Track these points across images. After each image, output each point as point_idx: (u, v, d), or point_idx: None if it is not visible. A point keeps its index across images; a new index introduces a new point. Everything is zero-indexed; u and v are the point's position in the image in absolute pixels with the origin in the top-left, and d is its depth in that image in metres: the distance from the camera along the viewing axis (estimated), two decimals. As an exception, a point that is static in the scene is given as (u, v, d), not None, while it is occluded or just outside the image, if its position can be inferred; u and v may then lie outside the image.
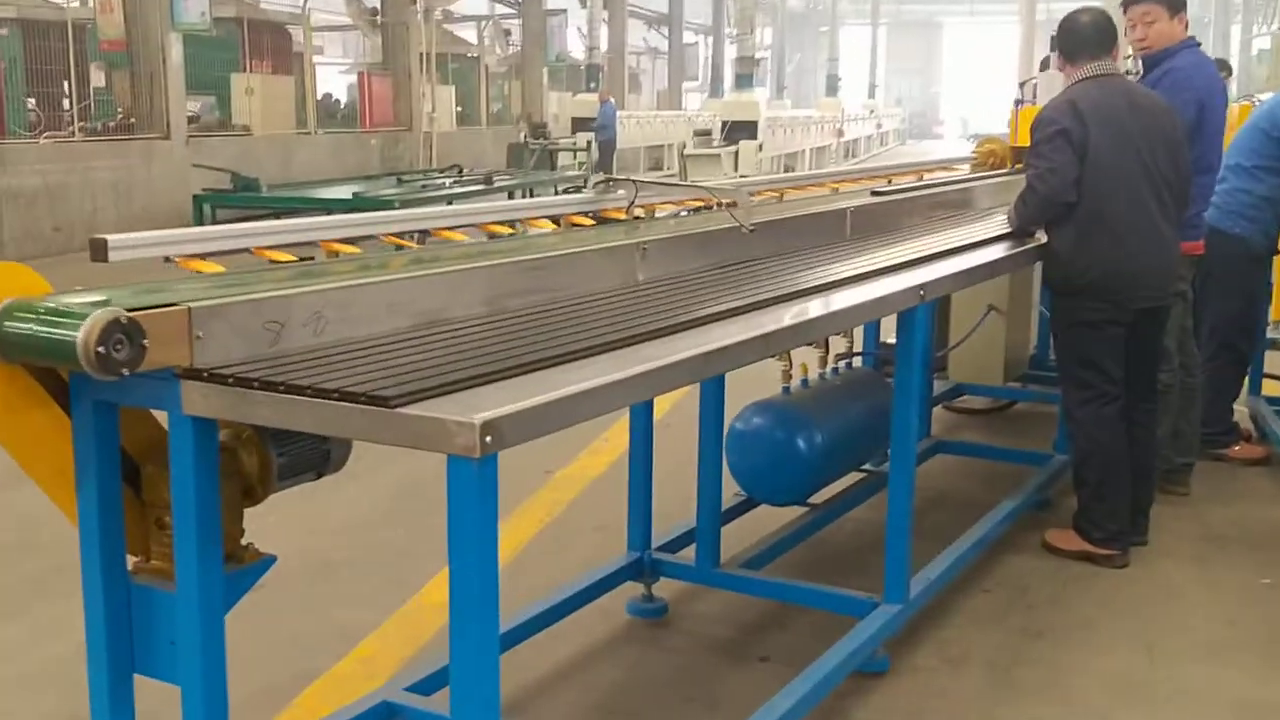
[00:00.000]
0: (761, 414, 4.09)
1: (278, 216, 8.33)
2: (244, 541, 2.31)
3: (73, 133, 15.19)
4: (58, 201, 12.97)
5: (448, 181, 10.20)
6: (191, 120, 15.94)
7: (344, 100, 24.76)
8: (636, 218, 3.79)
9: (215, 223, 8.22)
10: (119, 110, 15.69)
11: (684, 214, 3.91)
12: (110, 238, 2.44)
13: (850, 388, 4.35)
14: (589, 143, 19.79)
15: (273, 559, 2.34)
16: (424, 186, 9.42)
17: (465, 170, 13.78)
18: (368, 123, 20.22)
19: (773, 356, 3.05)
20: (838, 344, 4.41)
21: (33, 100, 16.65)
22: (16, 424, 2.10)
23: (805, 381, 4.19)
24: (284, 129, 18.15)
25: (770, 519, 4.32)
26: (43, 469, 2.16)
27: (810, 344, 3.75)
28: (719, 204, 3.71)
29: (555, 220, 3.62)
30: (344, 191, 8.66)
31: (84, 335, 1.88)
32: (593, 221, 3.64)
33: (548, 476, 5.32)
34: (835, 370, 4.38)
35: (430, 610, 3.90)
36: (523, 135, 20.40)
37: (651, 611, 3.89)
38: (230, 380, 1.99)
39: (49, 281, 2.12)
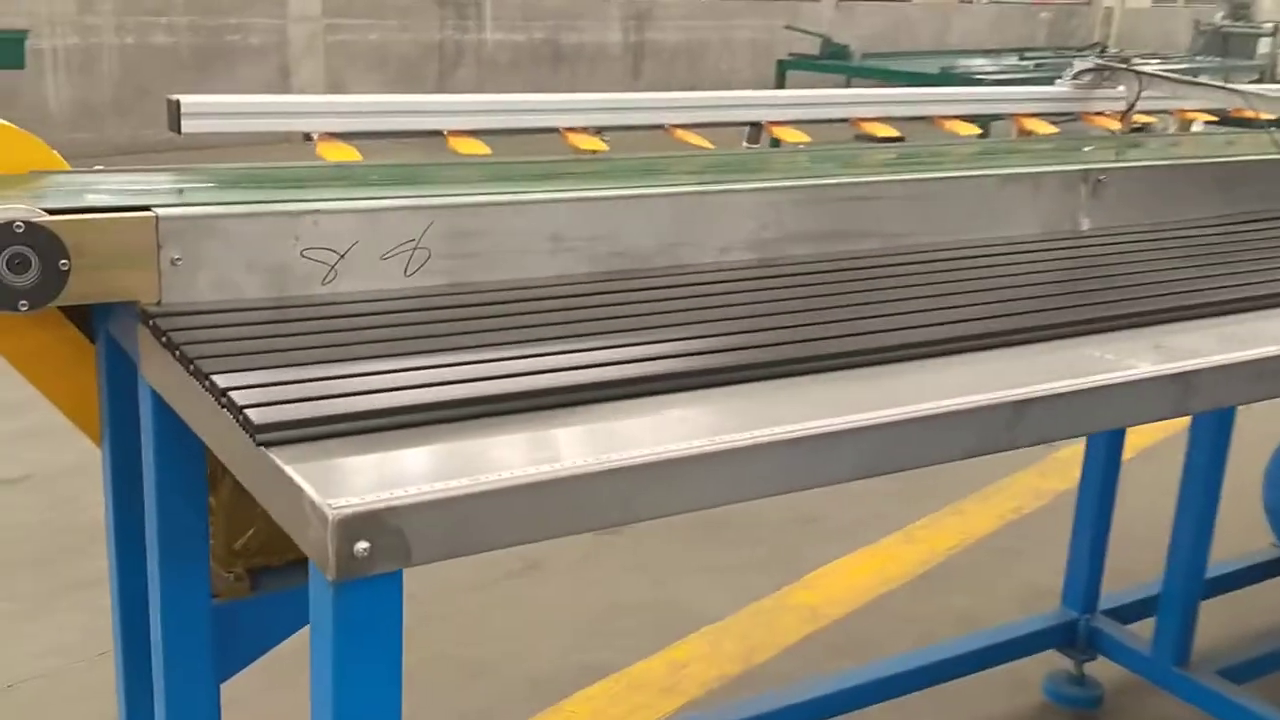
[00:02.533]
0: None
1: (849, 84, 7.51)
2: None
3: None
4: (696, 59, 13.09)
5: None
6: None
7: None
8: (1137, 128, 2.58)
9: (782, 87, 7.62)
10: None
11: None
12: (188, 99, 1.83)
13: None
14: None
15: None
16: (1038, 66, 8.08)
17: (1138, 53, 11.93)
18: (1043, -7, 18.59)
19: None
20: None
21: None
22: (17, 345, 1.59)
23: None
24: (947, -4, 17.13)
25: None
26: (62, 395, 1.65)
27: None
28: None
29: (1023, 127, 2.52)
30: (932, 66, 7.62)
31: (-42, 245, 1.29)
32: (1053, 128, 2.49)
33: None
34: None
35: None
36: (1219, 16, 17.64)
37: (1080, 700, 2.78)
38: (158, 332, 1.32)
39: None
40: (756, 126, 2.23)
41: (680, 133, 2.09)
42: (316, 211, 1.47)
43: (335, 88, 10.23)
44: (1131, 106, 2.52)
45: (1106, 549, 2.79)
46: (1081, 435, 1.58)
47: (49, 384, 1.64)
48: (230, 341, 1.30)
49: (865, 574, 3.45)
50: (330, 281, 1.49)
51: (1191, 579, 2.64)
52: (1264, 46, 16.28)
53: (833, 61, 7.93)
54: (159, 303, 1.39)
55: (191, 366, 1.22)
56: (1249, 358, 1.48)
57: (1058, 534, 2.97)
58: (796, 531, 3.66)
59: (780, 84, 8.01)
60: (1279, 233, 2.12)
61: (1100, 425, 1.48)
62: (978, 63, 8.11)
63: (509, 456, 1.08)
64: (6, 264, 1.30)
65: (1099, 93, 2.56)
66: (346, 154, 1.85)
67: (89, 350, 1.62)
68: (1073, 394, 1.36)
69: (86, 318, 1.60)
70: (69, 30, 8.99)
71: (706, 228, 1.75)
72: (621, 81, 12.37)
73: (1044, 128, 2.48)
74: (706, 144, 2.08)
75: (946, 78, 7.20)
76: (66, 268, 1.33)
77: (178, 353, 1.26)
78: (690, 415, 1.21)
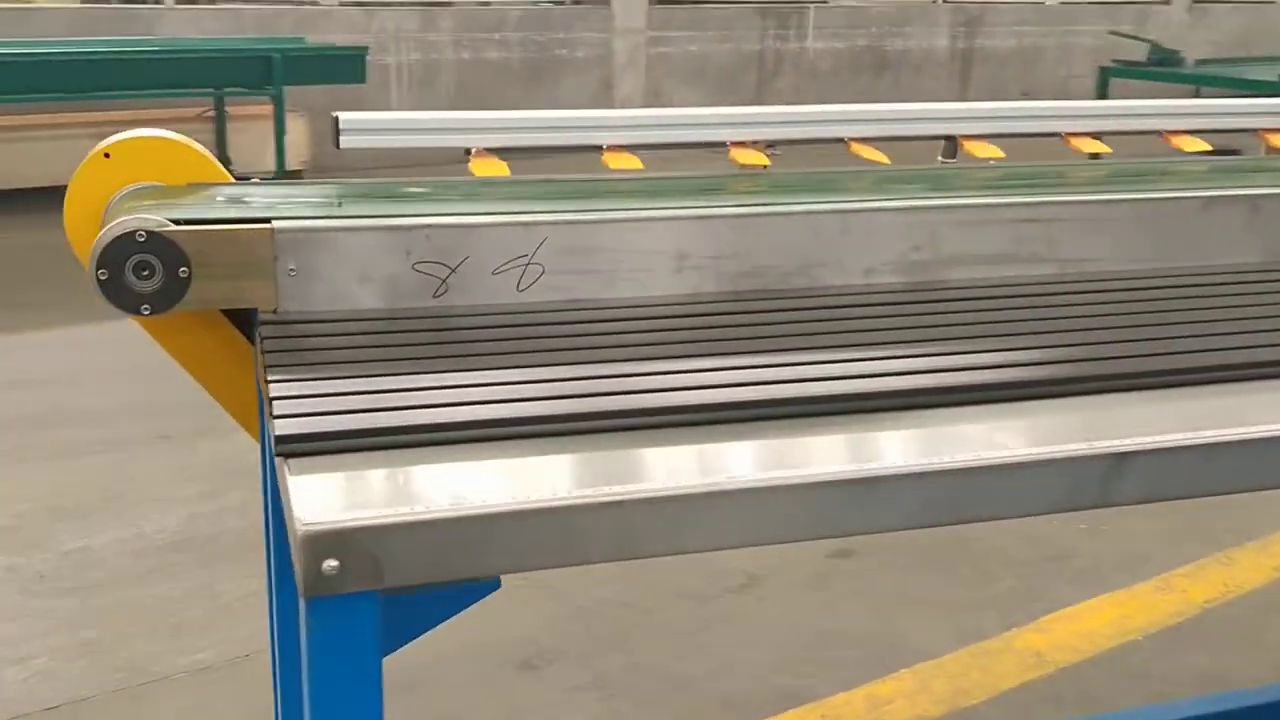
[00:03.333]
0: None
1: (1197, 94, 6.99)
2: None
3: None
4: (1030, 64, 12.55)
5: None
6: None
7: None
8: None
9: (1104, 97, 7.14)
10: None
11: None
12: (346, 116, 1.89)
13: None
14: None
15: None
16: None
17: None
18: None
19: None
20: None
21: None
22: (190, 345, 1.73)
23: None
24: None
25: None
26: (225, 393, 1.78)
27: None
28: None
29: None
30: (1271, 73, 6.94)
31: (93, 253, 1.42)
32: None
33: None
34: None
35: None
36: None
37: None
38: (261, 338, 1.40)
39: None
40: (951, 141, 2.12)
41: (856, 147, 2.01)
42: (429, 226, 1.52)
43: (655, 99, 10.50)
44: None
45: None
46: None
47: (213, 382, 1.77)
48: (313, 350, 1.36)
49: (1107, 620, 3.20)
50: (441, 295, 1.53)
51: None
52: None
53: (1161, 69, 7.40)
54: (275, 311, 1.48)
55: (264, 372, 1.29)
56: None
57: None
58: (1041, 569, 3.45)
59: (1102, 93, 7.55)
60: None
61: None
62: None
63: (512, 483, 1.08)
64: (132, 270, 1.42)
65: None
66: (497, 169, 1.90)
67: (248, 352, 1.74)
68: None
69: (250, 321, 1.72)
70: (412, 46, 9.68)
71: (843, 248, 1.68)
72: (948, 89, 12.04)
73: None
74: (883, 158, 2.00)
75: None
76: (186, 275, 1.43)
77: (262, 358, 1.34)
78: (702, 451, 1.16)
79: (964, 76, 12.25)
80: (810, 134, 2.01)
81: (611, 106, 10.32)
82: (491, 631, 2.96)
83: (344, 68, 8.06)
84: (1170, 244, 1.82)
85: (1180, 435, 1.21)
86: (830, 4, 11.68)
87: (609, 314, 1.51)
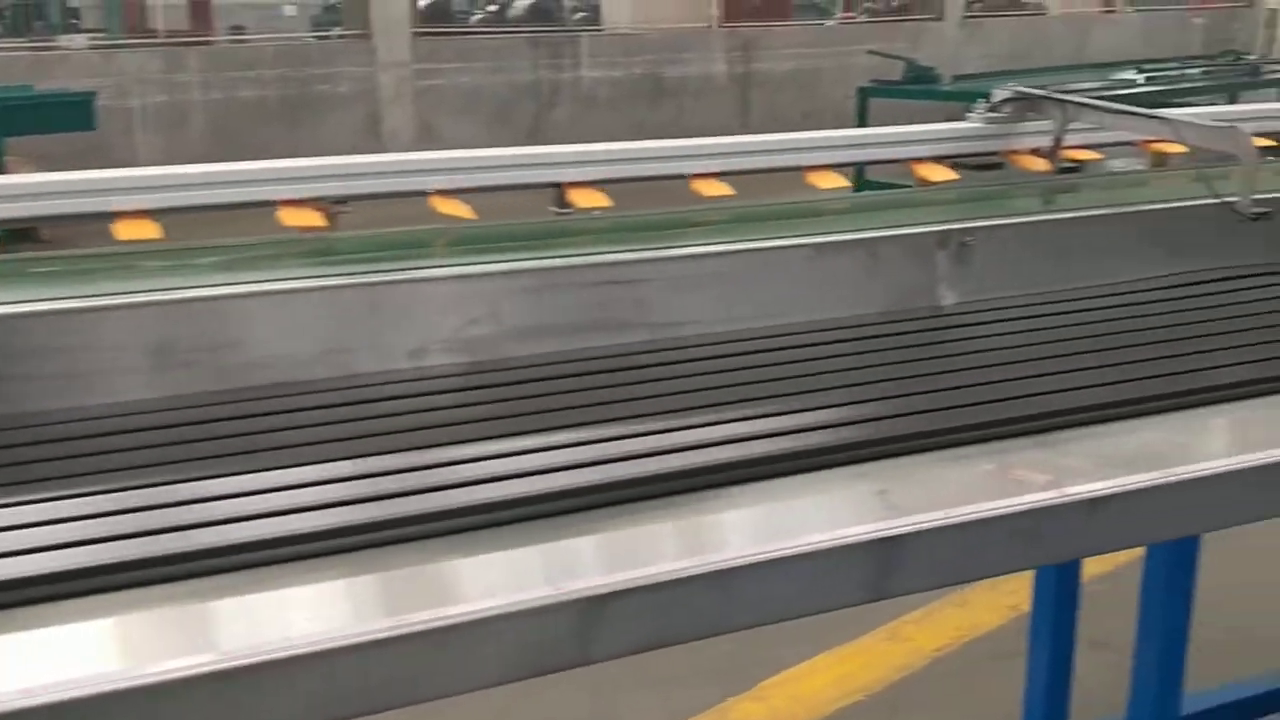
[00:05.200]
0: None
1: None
2: None
3: (853, 16, 14.80)
4: (809, 86, 12.63)
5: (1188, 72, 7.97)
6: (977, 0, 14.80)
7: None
8: (1067, 169, 2.11)
9: (867, 122, 7.09)
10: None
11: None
12: None
13: None
14: None
15: None
16: (1150, 80, 7.37)
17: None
18: (1196, -2, 17.52)
19: None
20: None
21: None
22: None
23: None
24: (1087, 6, 16.26)
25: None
26: None
27: None
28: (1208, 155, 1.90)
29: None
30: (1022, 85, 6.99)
31: None
32: (951, 174, 2.04)
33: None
34: None
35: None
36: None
37: None
38: None
39: None
40: (558, 188, 1.85)
41: (437, 200, 1.73)
42: None
43: (426, 133, 10.16)
44: (1058, 141, 2.05)
45: (1071, 671, 2.29)
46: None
47: None
48: None
49: (830, 680, 2.99)
50: None
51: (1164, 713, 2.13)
52: None
53: (916, 87, 7.40)
54: None
55: None
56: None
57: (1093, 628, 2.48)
58: (768, 629, 3.22)
59: (863, 113, 7.51)
60: (1239, 301, 1.65)
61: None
62: (1077, 79, 7.47)
63: None
64: None
65: (1026, 126, 2.10)
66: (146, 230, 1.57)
67: None
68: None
69: None
70: (157, 88, 9.12)
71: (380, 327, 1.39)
72: (729, 114, 12.01)
73: (943, 174, 2.03)
74: (466, 212, 1.72)
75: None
76: None
77: None
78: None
79: (743, 101, 12.25)
80: (372, 188, 1.72)
81: (380, 141, 9.94)
82: None
83: (71, 115, 7.50)
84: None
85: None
86: (604, 32, 11.55)
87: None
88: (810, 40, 12.88)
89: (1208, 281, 1.73)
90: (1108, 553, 1.23)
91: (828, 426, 1.22)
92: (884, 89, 7.60)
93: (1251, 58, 9.30)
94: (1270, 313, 1.61)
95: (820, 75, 12.73)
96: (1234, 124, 1.77)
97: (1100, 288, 1.69)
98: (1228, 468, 1.21)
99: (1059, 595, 2.22)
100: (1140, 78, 7.44)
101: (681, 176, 1.85)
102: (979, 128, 2.09)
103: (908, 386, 1.33)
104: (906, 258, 1.69)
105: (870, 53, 8.90)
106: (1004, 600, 3.32)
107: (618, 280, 1.55)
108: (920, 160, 2.05)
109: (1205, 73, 8.02)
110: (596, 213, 1.78)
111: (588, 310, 1.48)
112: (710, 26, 12.10)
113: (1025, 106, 2.09)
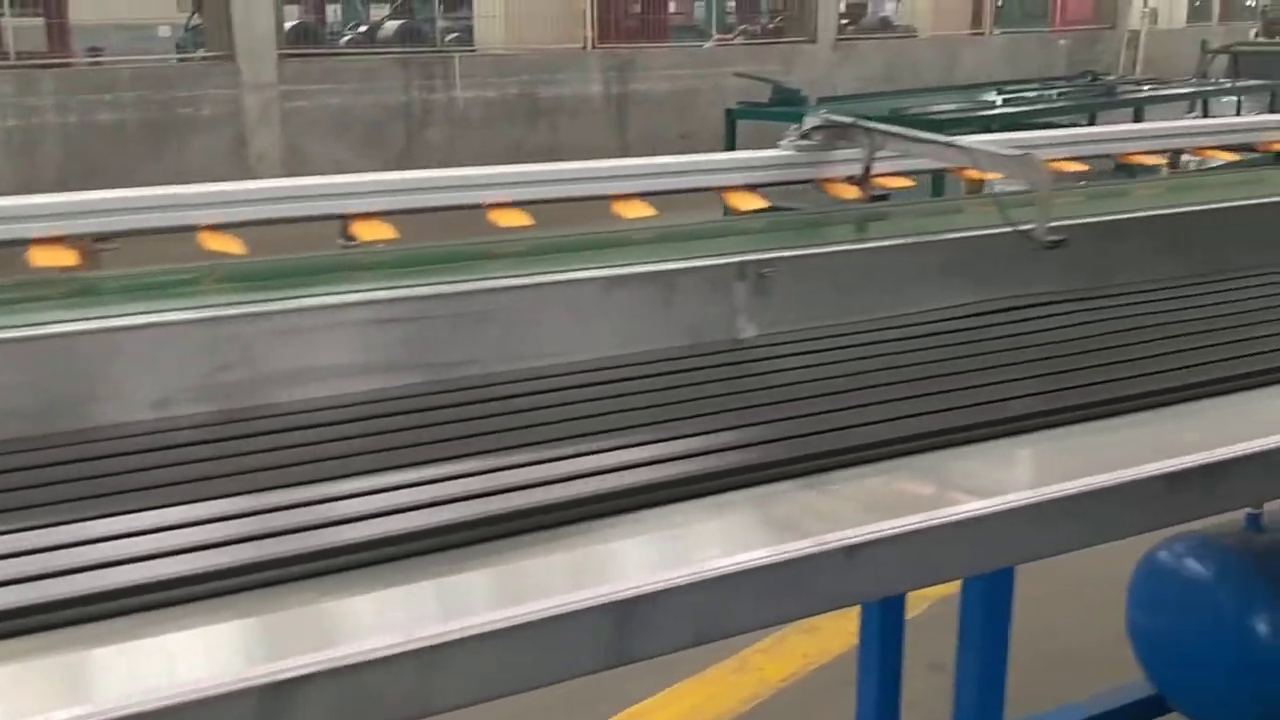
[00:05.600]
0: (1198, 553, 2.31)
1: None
2: None
3: (730, 39, 14.92)
4: (685, 107, 12.68)
5: (1056, 93, 8.17)
6: (849, 23, 15.04)
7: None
8: (877, 197, 2.10)
9: (736, 144, 7.13)
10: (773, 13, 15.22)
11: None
12: None
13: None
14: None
15: None
16: (1007, 101, 7.53)
17: (1149, 78, 11.30)
18: (1059, 20, 18.01)
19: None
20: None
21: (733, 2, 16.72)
22: None
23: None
24: (956, 29, 16.61)
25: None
26: None
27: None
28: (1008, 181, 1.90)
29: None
30: (882, 107, 7.10)
31: None
32: (762, 202, 2.01)
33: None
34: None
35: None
36: (1254, 34, 17.04)
37: None
38: None
39: None
40: (345, 220, 1.78)
41: (206, 236, 1.64)
42: None
43: (294, 155, 9.95)
44: (867, 169, 2.03)
45: (899, 697, 2.28)
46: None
47: None
48: None
49: (677, 714, 2.94)
50: None
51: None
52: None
53: (781, 109, 7.45)
54: None
55: None
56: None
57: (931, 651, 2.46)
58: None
59: (731, 135, 7.55)
60: (1026, 332, 1.64)
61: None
62: (940, 101, 7.60)
63: None
64: None
65: (836, 154, 2.08)
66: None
67: None
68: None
69: None
70: (8, 113, 8.80)
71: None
72: (606, 134, 12.00)
73: (753, 201, 2.00)
74: (236, 248, 1.63)
75: (897, 119, 6.70)
76: None
77: None
78: None
79: (620, 121, 12.25)
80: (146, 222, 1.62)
81: (247, 164, 9.71)
82: None
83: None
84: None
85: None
86: (477, 53, 11.47)
87: None
88: (686, 62, 12.94)
89: (1003, 310, 1.72)
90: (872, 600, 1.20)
91: (580, 476, 1.17)
92: (751, 110, 7.65)
93: (1109, 78, 9.57)
94: (1061, 341, 1.60)
95: (697, 96, 12.79)
96: (1028, 152, 1.76)
97: (897, 318, 1.67)
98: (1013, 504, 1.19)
99: (884, 622, 2.20)
100: (999, 99, 7.60)
101: (478, 206, 1.79)
102: (791, 155, 2.07)
103: (677, 430, 1.28)
104: (704, 290, 1.66)
105: (737, 74, 8.98)
106: (851, 626, 3.30)
107: (397, 318, 1.49)
108: (732, 188, 2.01)
109: (1062, 94, 8.23)
110: (380, 246, 1.71)
111: (354, 352, 1.41)
112: (585, 48, 12.09)
113: (835, 134, 2.07)
